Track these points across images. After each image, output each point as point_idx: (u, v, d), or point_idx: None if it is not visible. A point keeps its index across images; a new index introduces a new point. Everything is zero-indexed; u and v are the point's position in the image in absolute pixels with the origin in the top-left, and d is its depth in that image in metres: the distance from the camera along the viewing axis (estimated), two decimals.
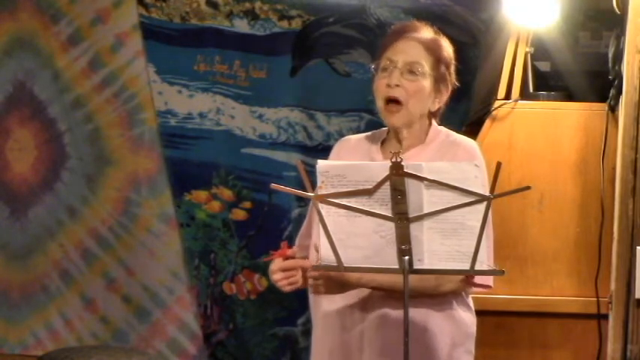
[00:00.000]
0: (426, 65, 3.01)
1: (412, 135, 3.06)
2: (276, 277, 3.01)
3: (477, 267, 2.74)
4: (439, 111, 3.10)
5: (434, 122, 3.10)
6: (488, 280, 3.03)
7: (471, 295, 3.12)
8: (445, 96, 3.07)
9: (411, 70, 3.00)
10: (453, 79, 3.08)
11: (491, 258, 3.02)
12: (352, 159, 3.07)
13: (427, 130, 3.08)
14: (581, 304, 3.95)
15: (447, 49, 3.07)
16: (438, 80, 3.04)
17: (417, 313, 2.97)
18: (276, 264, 3.01)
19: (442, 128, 3.11)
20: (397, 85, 2.99)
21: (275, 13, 4.99)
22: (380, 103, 3.03)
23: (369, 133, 3.19)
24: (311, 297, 3.15)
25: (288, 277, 3.00)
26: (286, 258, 3.00)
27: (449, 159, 3.00)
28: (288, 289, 3.02)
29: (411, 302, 2.88)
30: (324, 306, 3.07)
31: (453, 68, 3.08)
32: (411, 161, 2.87)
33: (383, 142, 3.12)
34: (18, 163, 5.20)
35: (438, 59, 3.03)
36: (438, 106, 3.08)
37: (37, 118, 5.16)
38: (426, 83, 3.01)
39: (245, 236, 5.01)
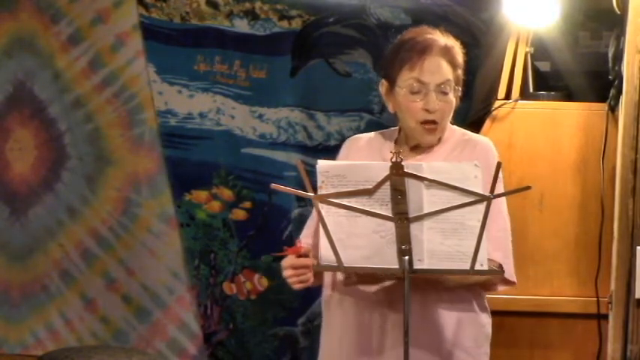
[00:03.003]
0: (452, 79, 3.05)
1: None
2: (287, 273, 2.98)
3: (477, 267, 2.74)
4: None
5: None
6: (512, 276, 3.05)
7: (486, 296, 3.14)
8: (459, 95, 3.11)
9: (443, 91, 3.03)
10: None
11: (509, 254, 3.04)
12: (363, 159, 3.08)
13: None
14: (581, 304, 3.95)
15: (460, 51, 3.10)
16: (458, 84, 3.08)
17: (426, 311, 2.98)
18: (288, 261, 2.99)
19: (456, 127, 3.14)
20: (436, 110, 3.03)
21: (275, 13, 4.99)
22: (412, 123, 3.05)
23: (379, 132, 3.21)
24: (325, 293, 3.15)
25: (298, 275, 2.97)
26: (299, 256, 2.99)
27: (466, 157, 3.02)
28: (298, 286, 2.99)
29: (423, 301, 2.90)
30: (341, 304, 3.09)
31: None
32: (428, 160, 2.89)
33: (395, 142, 3.14)
34: (18, 163, 5.20)
35: (455, 66, 3.07)
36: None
37: (37, 118, 5.15)
38: (454, 97, 3.07)
39: (245, 236, 5.01)
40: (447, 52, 3.05)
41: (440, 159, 3.03)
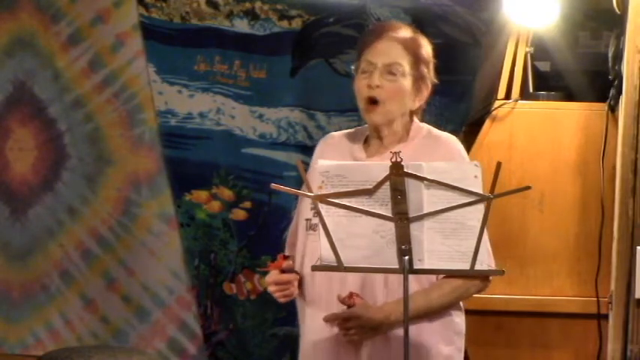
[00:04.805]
0: (405, 65, 3.04)
1: (392, 133, 3.09)
2: (271, 289, 3.06)
3: (477, 267, 2.74)
4: (420, 109, 3.14)
5: (415, 119, 3.13)
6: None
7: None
8: (425, 94, 3.11)
9: (391, 71, 3.03)
10: (432, 77, 3.12)
11: (491, 256, 3.04)
12: (335, 156, 3.07)
13: (409, 128, 3.11)
14: (581, 304, 3.96)
15: (426, 47, 3.10)
16: (418, 79, 3.07)
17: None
18: (272, 276, 3.06)
19: (424, 125, 3.14)
20: (377, 86, 3.03)
21: (275, 13, 4.99)
22: (361, 104, 3.07)
23: (351, 130, 3.22)
24: (299, 303, 3.16)
25: (282, 290, 3.04)
26: (282, 270, 3.03)
27: (429, 153, 3.00)
28: (282, 300, 3.07)
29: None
30: (310, 336, 3.10)
31: (432, 66, 3.11)
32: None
33: (365, 141, 3.14)
34: (18, 163, 5.20)
35: (417, 58, 3.06)
36: (418, 105, 3.11)
37: (37, 118, 5.15)
38: (406, 83, 3.05)
39: (245, 236, 5.01)
40: (405, 42, 3.05)
41: (407, 156, 2.91)
